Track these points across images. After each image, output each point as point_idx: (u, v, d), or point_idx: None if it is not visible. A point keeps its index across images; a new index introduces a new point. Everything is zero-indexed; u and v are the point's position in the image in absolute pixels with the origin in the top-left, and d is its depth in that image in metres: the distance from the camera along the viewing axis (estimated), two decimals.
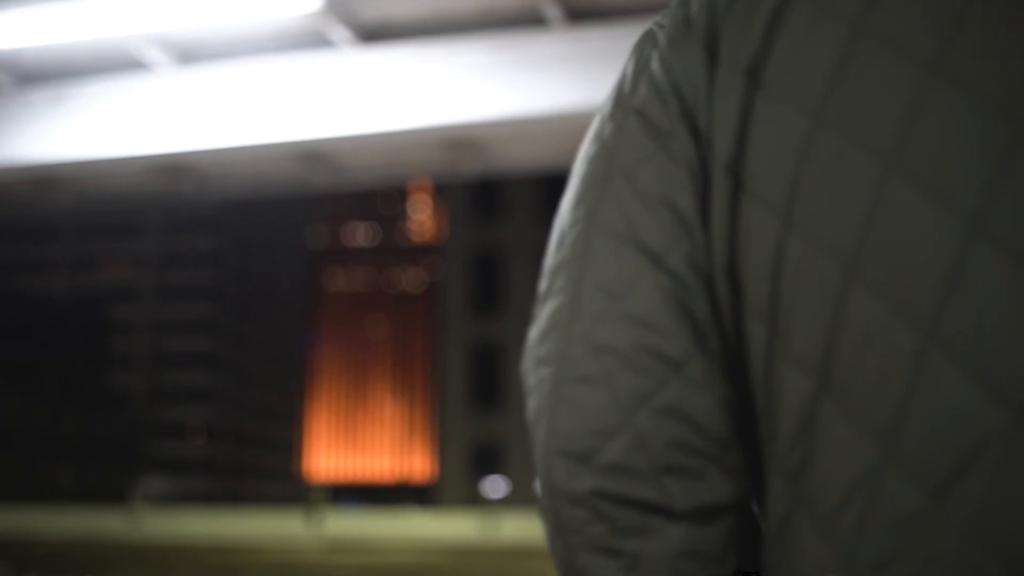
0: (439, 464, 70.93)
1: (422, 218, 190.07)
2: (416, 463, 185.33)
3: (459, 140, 13.26)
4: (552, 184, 64.23)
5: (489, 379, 66.49)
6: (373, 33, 12.14)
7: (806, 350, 0.71)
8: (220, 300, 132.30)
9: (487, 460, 65.90)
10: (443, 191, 74.82)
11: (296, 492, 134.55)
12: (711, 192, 0.77)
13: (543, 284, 0.83)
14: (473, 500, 60.81)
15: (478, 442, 66.82)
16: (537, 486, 0.81)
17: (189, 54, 12.53)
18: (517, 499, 60.53)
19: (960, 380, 0.64)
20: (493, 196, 67.62)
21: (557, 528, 0.79)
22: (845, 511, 0.68)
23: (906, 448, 0.66)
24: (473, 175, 16.27)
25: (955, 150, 0.67)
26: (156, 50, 12.37)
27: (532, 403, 0.81)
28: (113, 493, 73.42)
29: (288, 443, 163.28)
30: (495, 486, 63.39)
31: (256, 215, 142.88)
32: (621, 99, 0.83)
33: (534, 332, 0.83)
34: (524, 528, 34.91)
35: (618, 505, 0.75)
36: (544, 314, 0.82)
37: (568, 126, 12.94)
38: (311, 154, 13.76)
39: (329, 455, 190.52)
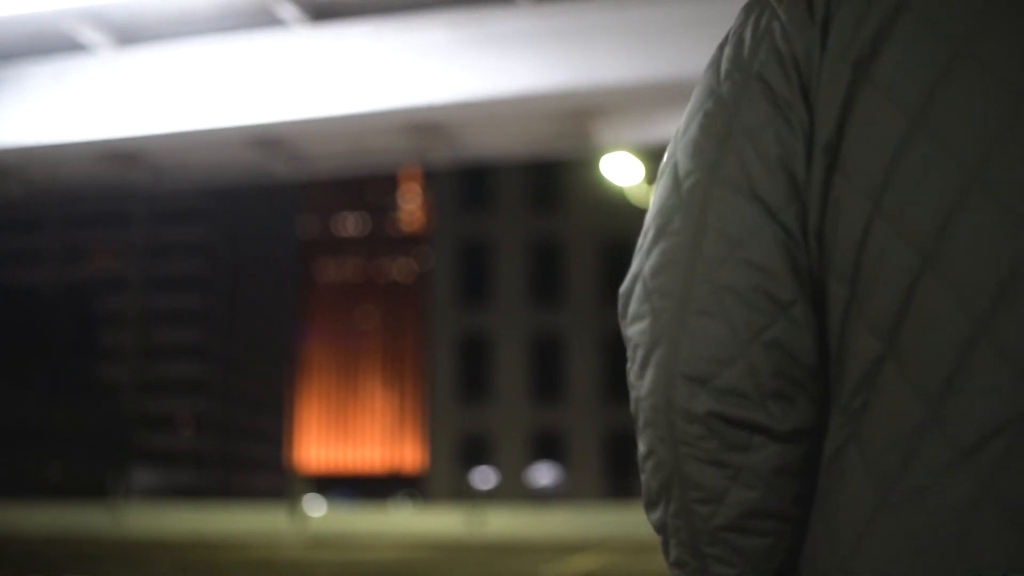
0: (429, 455, 70.60)
1: (412, 208, 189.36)
2: (407, 453, 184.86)
3: (421, 125, 12.57)
4: (540, 172, 63.51)
5: (477, 370, 66.02)
6: (324, 10, 11.41)
7: (879, 317, 0.83)
8: (209, 291, 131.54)
9: (476, 451, 65.62)
10: (433, 180, 74.20)
11: (286, 484, 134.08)
12: (811, 164, 0.89)
13: (655, 222, 0.94)
14: (462, 491, 60.45)
15: (467, 433, 66.48)
16: (645, 400, 0.92)
17: (128, 34, 11.78)
18: (505, 490, 60.31)
19: (1000, 366, 0.78)
20: (481, 185, 66.93)
21: (671, 439, 0.91)
22: (891, 452, 0.82)
23: (949, 412, 0.79)
24: (444, 163, 15.62)
25: None
26: (92, 30, 11.60)
27: (644, 326, 0.92)
28: (101, 486, 73.05)
29: (278, 434, 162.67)
30: (484, 477, 63.15)
31: (246, 205, 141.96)
32: (740, 61, 0.93)
33: (648, 264, 0.93)
34: (510, 523, 34.72)
35: (729, 424, 0.88)
36: (660, 250, 0.93)
37: (537, 109, 12.24)
38: (266, 140, 13.06)
39: (320, 446, 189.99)
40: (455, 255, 67.78)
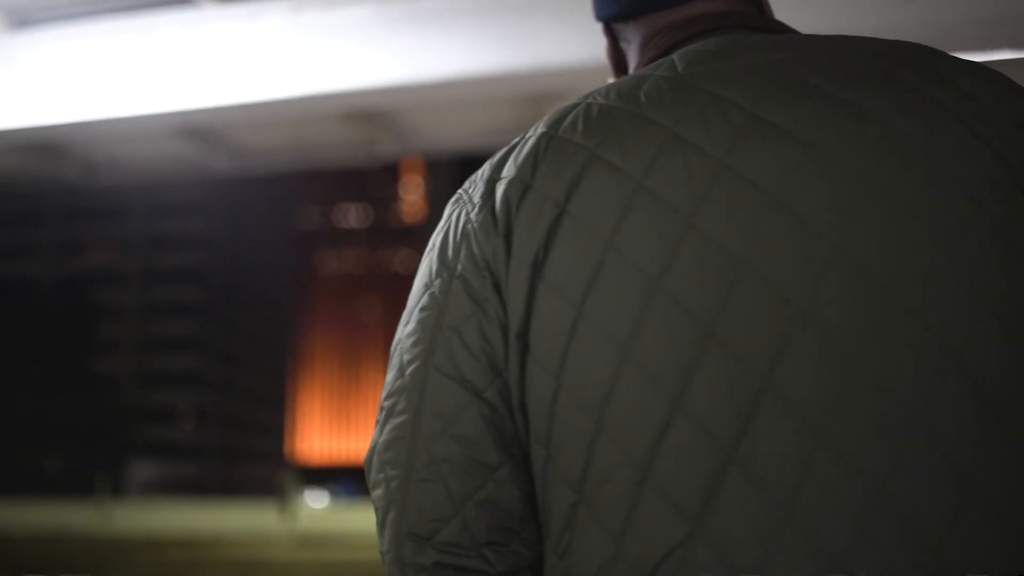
0: None
1: (414, 198, 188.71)
2: None
3: (360, 113, 11.58)
4: None
5: None
6: None
7: (569, 472, 0.99)
8: (208, 283, 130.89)
9: None
10: (432, 170, 73.37)
11: (281, 479, 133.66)
12: (508, 349, 1.04)
13: (386, 402, 1.11)
14: None
15: None
16: (385, 555, 1.09)
17: (23, 15, 10.80)
18: None
19: (659, 501, 0.93)
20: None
21: None
22: None
23: (628, 548, 0.94)
24: (396, 156, 14.67)
25: (666, 346, 0.96)
26: None
27: (380, 493, 1.09)
28: (100, 480, 72.77)
29: (280, 427, 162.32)
30: None
31: (245, 197, 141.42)
32: (446, 261, 1.09)
33: (381, 439, 1.10)
34: None
35: (452, 571, 1.04)
36: (390, 427, 1.09)
37: (485, 95, 11.26)
38: (195, 130, 12.06)
39: (322, 438, 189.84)
40: None
